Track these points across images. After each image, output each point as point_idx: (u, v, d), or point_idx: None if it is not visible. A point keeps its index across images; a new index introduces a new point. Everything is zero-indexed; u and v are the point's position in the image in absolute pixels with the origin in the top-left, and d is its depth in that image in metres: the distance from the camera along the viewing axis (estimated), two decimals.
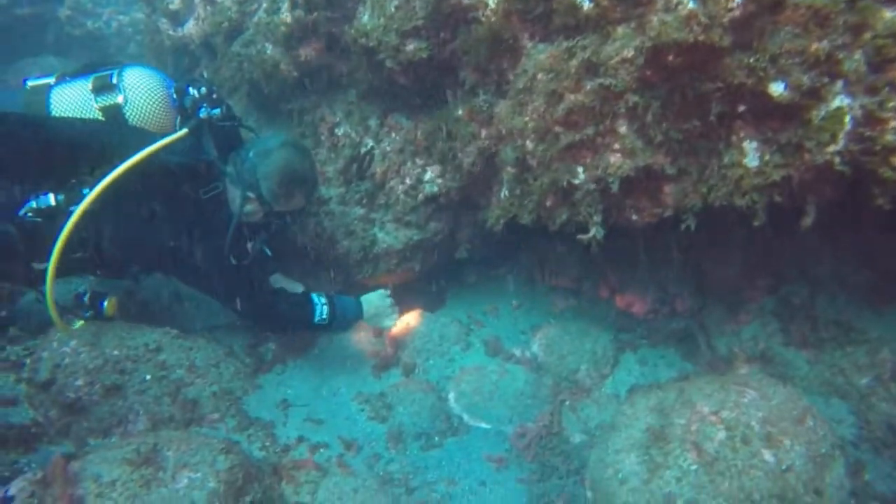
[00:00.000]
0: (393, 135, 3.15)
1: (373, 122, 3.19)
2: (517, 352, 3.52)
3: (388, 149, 3.15)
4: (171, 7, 4.18)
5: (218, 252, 2.78)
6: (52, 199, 2.61)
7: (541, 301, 3.96)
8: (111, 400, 2.75)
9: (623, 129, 2.18)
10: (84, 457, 2.39)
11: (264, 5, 3.27)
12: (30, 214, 2.61)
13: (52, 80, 2.75)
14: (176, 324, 3.22)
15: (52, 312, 2.66)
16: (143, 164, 2.58)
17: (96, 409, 2.72)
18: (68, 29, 6.50)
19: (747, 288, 3.22)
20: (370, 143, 3.18)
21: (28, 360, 2.92)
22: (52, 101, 2.68)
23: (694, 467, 2.21)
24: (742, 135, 1.98)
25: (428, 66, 2.73)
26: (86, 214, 2.54)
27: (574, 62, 2.11)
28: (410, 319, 3.55)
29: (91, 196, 2.52)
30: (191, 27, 3.94)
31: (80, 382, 2.75)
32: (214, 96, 2.87)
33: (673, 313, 3.74)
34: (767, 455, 2.12)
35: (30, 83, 2.77)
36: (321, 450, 2.84)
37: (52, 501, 2.11)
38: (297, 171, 2.85)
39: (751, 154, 1.96)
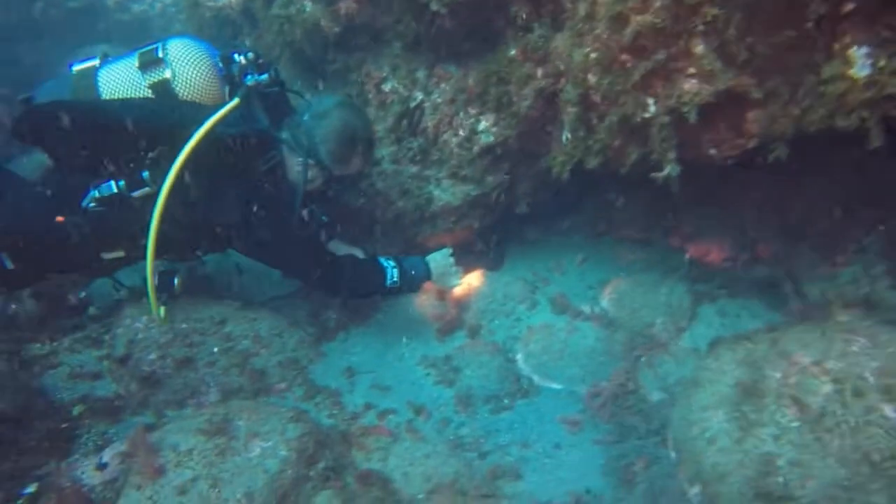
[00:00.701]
0: (442, 85, 2.97)
1: (420, 74, 3.03)
2: (586, 308, 3.34)
3: (439, 100, 2.98)
4: None
5: (284, 224, 2.71)
6: (113, 185, 2.55)
7: (607, 254, 3.74)
8: (183, 372, 2.80)
9: (699, 49, 1.93)
10: (162, 427, 2.44)
11: None
12: (93, 204, 2.58)
13: (97, 62, 2.68)
14: (237, 297, 3.23)
15: (152, 295, 2.65)
16: (203, 140, 2.48)
17: (170, 381, 2.78)
18: (117, 15, 6.60)
19: (845, 226, 2.89)
20: (419, 96, 3.02)
21: (106, 337, 3.02)
22: (100, 83, 2.60)
23: (795, 424, 2.00)
24: (848, 40, 1.70)
25: (476, 5, 2.52)
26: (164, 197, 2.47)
27: None
28: (472, 280, 3.43)
29: (170, 178, 2.43)
30: None
31: (153, 356, 2.81)
32: (260, 62, 2.76)
33: (754, 260, 3.45)
34: (888, 410, 1.87)
35: (75, 68, 2.69)
36: (389, 416, 2.79)
37: (138, 469, 2.16)
38: (356, 131, 2.75)
39: (860, 62, 1.67)
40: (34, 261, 2.64)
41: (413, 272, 3.02)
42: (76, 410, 2.64)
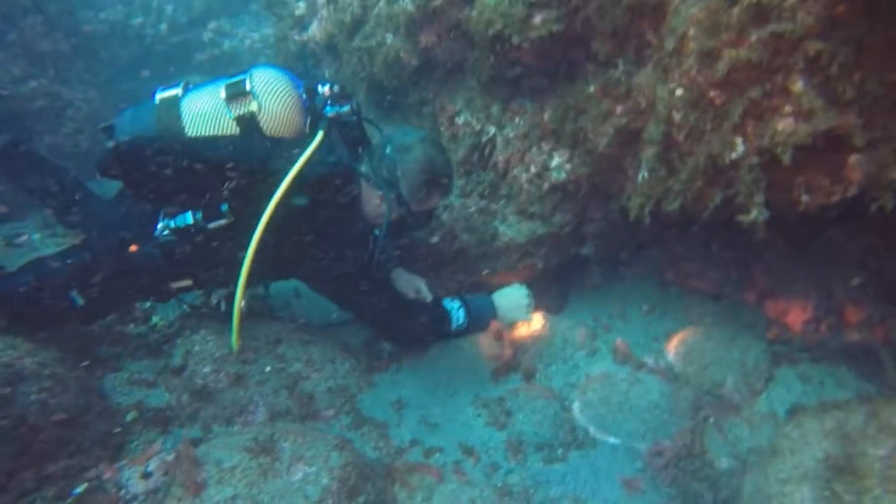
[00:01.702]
0: (517, 119, 2.94)
1: (495, 109, 3.02)
2: (650, 360, 3.15)
3: (512, 135, 2.95)
4: (297, 13, 4.32)
5: (360, 263, 2.65)
6: (190, 217, 2.50)
7: (675, 305, 3.54)
8: (234, 389, 2.77)
9: (798, 86, 1.81)
10: (208, 441, 2.41)
11: None
12: (166, 233, 2.53)
13: (179, 91, 2.59)
14: (293, 319, 3.23)
15: (236, 326, 2.54)
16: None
17: (221, 396, 2.76)
18: (210, 50, 7.07)
19: None
20: (492, 130, 3.00)
21: (165, 347, 3.06)
22: (184, 113, 2.51)
23: None
24: None
25: (556, 41, 2.50)
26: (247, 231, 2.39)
27: (737, 9, 1.78)
28: (533, 321, 3.30)
29: (267, 213, 2.36)
30: (314, 29, 4.03)
31: (207, 370, 2.81)
32: (342, 93, 2.71)
33: (842, 324, 3.17)
34: None
35: (159, 96, 2.61)
36: (436, 454, 2.67)
37: (181, 481, 2.13)
38: (438, 167, 2.68)
39: None
40: (105, 294, 2.59)
41: (481, 313, 2.96)
42: (130, 416, 2.66)
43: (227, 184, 2.42)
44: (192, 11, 7.18)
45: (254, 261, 2.43)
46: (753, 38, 1.79)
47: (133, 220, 2.64)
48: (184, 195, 2.49)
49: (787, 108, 1.86)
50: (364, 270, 2.68)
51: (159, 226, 2.55)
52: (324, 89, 2.68)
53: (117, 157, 2.42)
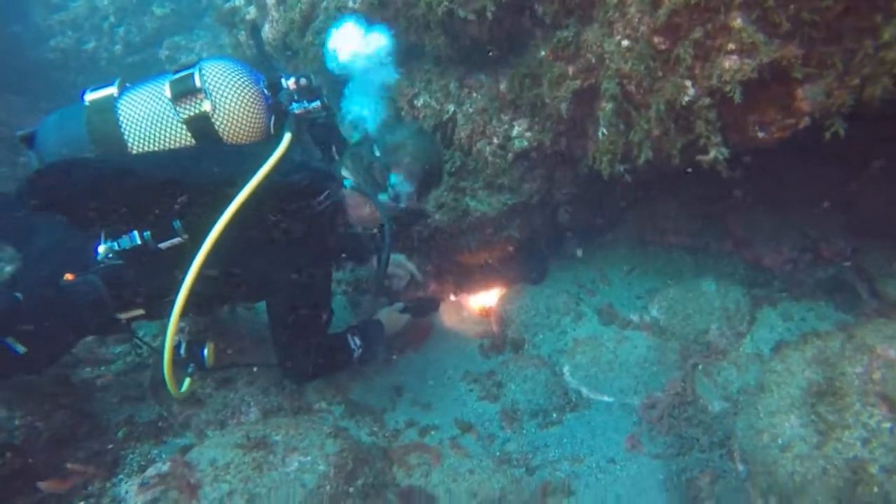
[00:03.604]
0: (474, 94, 2.95)
1: (452, 86, 3.02)
2: (635, 317, 3.19)
3: (471, 110, 2.95)
4: (248, 17, 4.29)
5: (321, 282, 2.33)
6: (137, 236, 2.12)
7: (655, 263, 3.59)
8: (224, 392, 2.76)
9: (738, 22, 1.84)
10: (201, 444, 2.40)
11: None
12: (110, 256, 2.14)
13: (114, 90, 2.18)
14: None
15: (168, 370, 2.20)
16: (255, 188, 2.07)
17: (211, 401, 2.75)
18: (168, 67, 7.01)
19: None
20: (452, 108, 3.00)
21: (151, 361, 3.04)
22: (122, 118, 2.12)
23: (887, 425, 1.79)
24: None
25: (502, 8, 2.50)
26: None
27: None
28: (513, 294, 3.33)
29: (215, 232, 2.03)
30: (267, 30, 4.00)
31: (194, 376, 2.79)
32: (311, 87, 2.33)
33: (817, 260, 3.23)
34: None
35: (88, 97, 2.18)
36: (432, 432, 2.68)
37: (176, 486, 2.12)
38: (434, 160, 2.42)
39: None
40: (46, 337, 2.19)
41: (374, 337, 2.68)
42: (121, 434, 2.64)
43: (179, 197, 2.08)
44: (144, 31, 7.12)
45: (210, 284, 2.12)
46: None
47: (68, 243, 2.24)
48: (128, 213, 2.13)
49: (731, 46, 1.89)
50: (313, 284, 2.32)
51: (101, 249, 2.14)
52: (288, 82, 2.31)
53: (40, 186, 2.06)
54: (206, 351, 2.38)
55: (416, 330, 3.17)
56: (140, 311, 2.31)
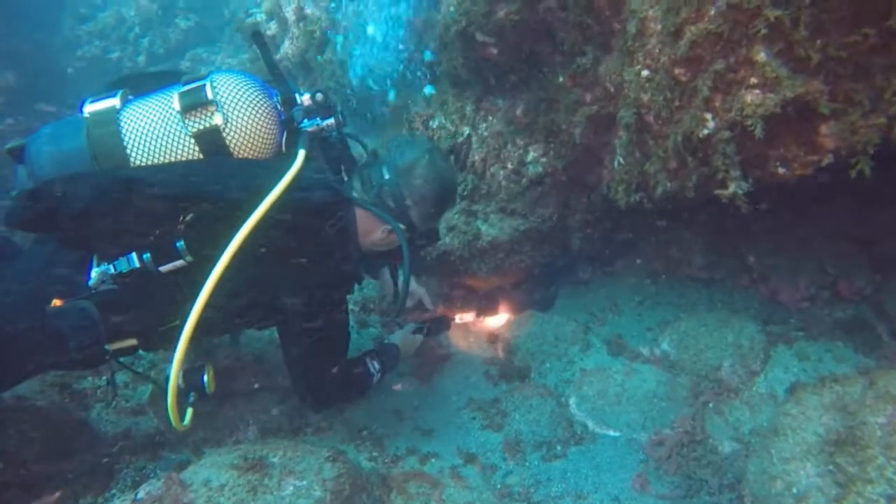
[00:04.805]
0: (490, 118, 2.93)
1: (468, 109, 3.01)
2: (644, 350, 3.11)
3: (486, 133, 2.93)
4: (269, 32, 4.33)
5: (328, 302, 2.24)
6: (135, 259, 1.97)
7: (667, 295, 3.52)
8: (223, 409, 2.72)
9: (761, 56, 1.80)
10: (197, 462, 2.35)
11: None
12: (104, 281, 2.00)
13: (117, 101, 2.04)
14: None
15: (172, 400, 2.00)
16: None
17: (210, 417, 2.70)
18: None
19: None
20: (467, 130, 2.99)
21: (152, 373, 3.01)
22: (125, 131, 1.99)
23: None
24: None
25: (521, 33, 2.49)
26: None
27: None
28: (521, 321, 3.27)
29: (228, 253, 1.88)
30: (287, 47, 4.04)
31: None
32: (325, 102, 2.23)
33: (836, 299, 3.15)
34: None
35: (88, 108, 2.04)
36: (432, 460, 2.61)
37: None
38: (448, 181, 2.36)
39: None
40: (14, 367, 2.03)
41: (390, 358, 2.67)
42: (118, 447, 2.61)
43: (182, 216, 1.96)
44: (168, 42, 7.24)
45: (215, 310, 1.96)
46: (712, 11, 1.79)
47: (57, 266, 2.09)
48: (126, 233, 1.97)
49: (753, 80, 1.85)
50: (326, 308, 2.25)
51: (94, 273, 1.99)
52: (303, 98, 2.21)
53: (32, 207, 1.88)
54: (206, 377, 2.23)
55: (431, 356, 3.13)
56: (132, 342, 2.15)
